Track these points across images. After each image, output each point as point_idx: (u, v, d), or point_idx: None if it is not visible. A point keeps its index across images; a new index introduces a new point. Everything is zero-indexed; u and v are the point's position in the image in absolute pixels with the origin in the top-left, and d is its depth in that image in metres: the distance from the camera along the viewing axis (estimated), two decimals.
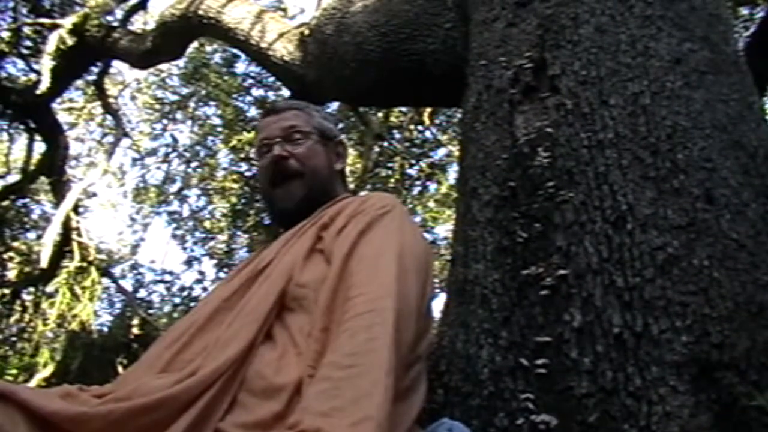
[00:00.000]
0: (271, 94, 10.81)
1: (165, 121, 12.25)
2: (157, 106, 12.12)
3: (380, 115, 9.63)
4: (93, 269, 9.12)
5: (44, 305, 9.18)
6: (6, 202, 9.49)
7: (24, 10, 7.87)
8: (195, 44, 8.43)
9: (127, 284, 12.17)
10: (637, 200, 1.74)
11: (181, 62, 9.95)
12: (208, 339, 1.47)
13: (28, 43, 8.11)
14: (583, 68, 2.03)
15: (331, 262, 1.48)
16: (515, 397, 1.64)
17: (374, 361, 1.21)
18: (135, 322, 10.00)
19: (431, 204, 11.26)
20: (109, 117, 10.05)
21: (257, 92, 11.20)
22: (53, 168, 8.18)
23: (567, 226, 1.78)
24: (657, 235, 1.68)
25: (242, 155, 10.74)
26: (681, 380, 1.49)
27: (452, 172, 10.58)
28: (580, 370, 1.58)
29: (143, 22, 8.48)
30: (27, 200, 10.61)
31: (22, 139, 9.18)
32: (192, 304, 11.93)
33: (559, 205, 1.83)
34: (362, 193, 1.83)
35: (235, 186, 11.30)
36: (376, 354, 1.22)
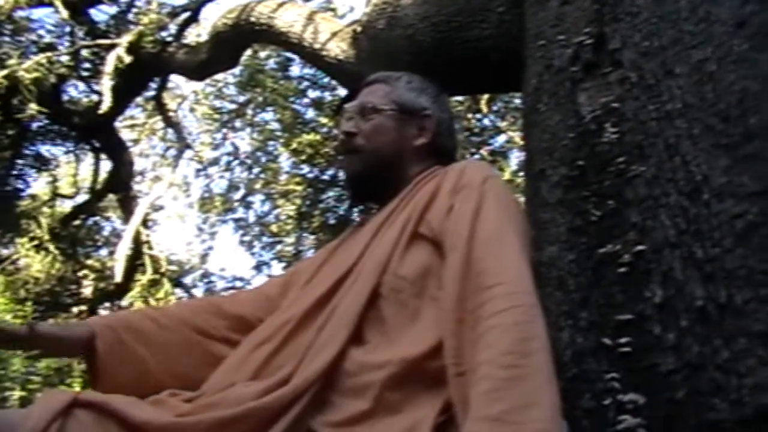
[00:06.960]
0: (327, 95, 10.88)
1: (225, 130, 12.42)
2: (216, 116, 12.28)
3: None
4: (165, 281, 9.32)
5: None
6: (77, 222, 9.75)
7: (81, 33, 8.04)
8: (248, 51, 8.50)
9: (199, 293, 12.39)
10: (711, 169, 1.69)
11: (236, 70, 10.05)
12: (300, 342, 1.44)
13: (87, 65, 8.30)
14: (645, 39, 1.98)
15: (451, 247, 1.42)
16: (600, 378, 1.62)
17: (534, 364, 1.17)
18: None
19: None
20: (170, 130, 10.24)
21: (313, 94, 11.29)
22: (120, 185, 8.40)
23: (640, 201, 1.75)
24: (734, 204, 1.63)
25: (303, 157, 10.82)
26: None
27: (514, 158, 10.51)
28: (665, 347, 1.55)
29: (197, 35, 8.60)
30: (97, 218, 10.89)
31: (89, 159, 9.42)
32: None
33: (630, 181, 1.79)
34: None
35: (299, 188, 11.39)
36: (533, 357, 1.18)
